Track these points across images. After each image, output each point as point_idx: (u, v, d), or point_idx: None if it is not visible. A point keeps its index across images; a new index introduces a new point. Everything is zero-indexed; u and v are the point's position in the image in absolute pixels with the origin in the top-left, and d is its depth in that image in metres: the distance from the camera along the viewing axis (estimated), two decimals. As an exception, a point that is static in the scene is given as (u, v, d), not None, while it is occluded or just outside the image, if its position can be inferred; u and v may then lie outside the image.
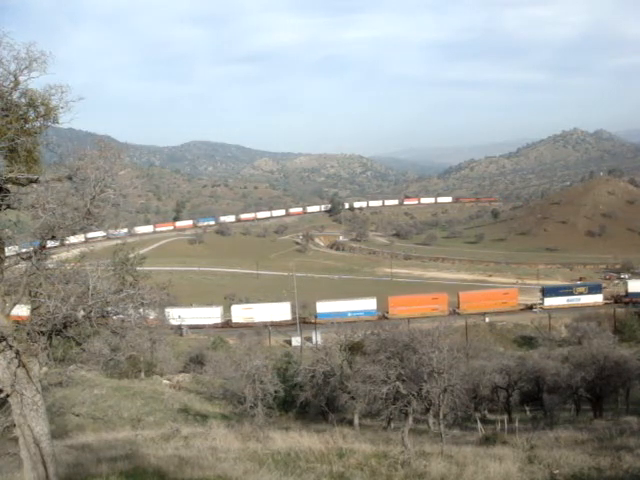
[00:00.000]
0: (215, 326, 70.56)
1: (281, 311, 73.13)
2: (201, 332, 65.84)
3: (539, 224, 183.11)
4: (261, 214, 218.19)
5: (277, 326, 69.96)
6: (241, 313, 73.75)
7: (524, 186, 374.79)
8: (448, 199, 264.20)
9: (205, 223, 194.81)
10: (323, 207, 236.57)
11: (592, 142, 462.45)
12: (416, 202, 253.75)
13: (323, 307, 73.10)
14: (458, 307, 73.31)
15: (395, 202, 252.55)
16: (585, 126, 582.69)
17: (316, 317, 71.95)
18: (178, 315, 72.57)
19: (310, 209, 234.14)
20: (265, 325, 67.56)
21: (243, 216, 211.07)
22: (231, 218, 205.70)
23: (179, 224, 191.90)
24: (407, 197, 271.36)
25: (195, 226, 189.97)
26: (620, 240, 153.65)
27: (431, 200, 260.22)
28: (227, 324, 72.55)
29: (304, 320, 71.89)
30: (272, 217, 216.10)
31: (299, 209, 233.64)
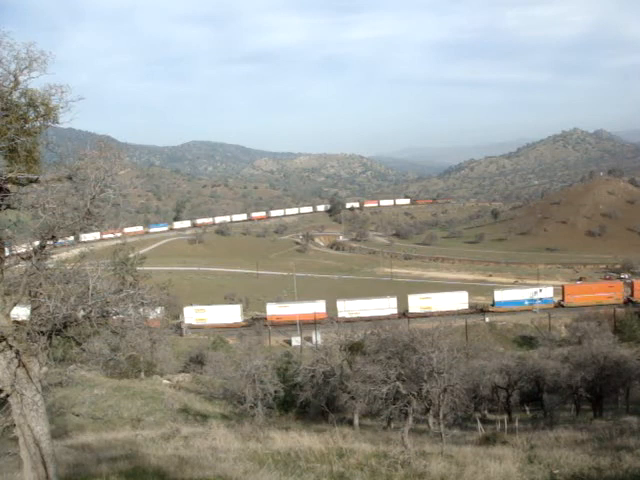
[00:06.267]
0: (391, 317, 67.81)
1: (459, 300, 72.61)
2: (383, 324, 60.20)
3: (539, 224, 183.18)
4: (219, 218, 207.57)
5: (452, 315, 66.27)
6: (418, 303, 73.42)
7: (524, 186, 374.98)
8: (406, 201, 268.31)
9: (157, 229, 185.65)
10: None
11: (592, 142, 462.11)
12: (375, 204, 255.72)
13: (501, 295, 73.92)
14: (632, 295, 73.29)
15: (356, 204, 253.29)
16: (585, 126, 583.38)
17: (493, 305, 72.91)
18: (353, 307, 72.18)
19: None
20: (442, 315, 64.80)
21: (199, 221, 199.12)
22: (187, 223, 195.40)
23: (128, 230, 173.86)
24: (368, 200, 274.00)
25: (146, 232, 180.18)
26: (620, 240, 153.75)
27: (390, 202, 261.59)
28: (404, 315, 70.98)
29: (482, 309, 72.84)
30: (233, 222, 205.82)
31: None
